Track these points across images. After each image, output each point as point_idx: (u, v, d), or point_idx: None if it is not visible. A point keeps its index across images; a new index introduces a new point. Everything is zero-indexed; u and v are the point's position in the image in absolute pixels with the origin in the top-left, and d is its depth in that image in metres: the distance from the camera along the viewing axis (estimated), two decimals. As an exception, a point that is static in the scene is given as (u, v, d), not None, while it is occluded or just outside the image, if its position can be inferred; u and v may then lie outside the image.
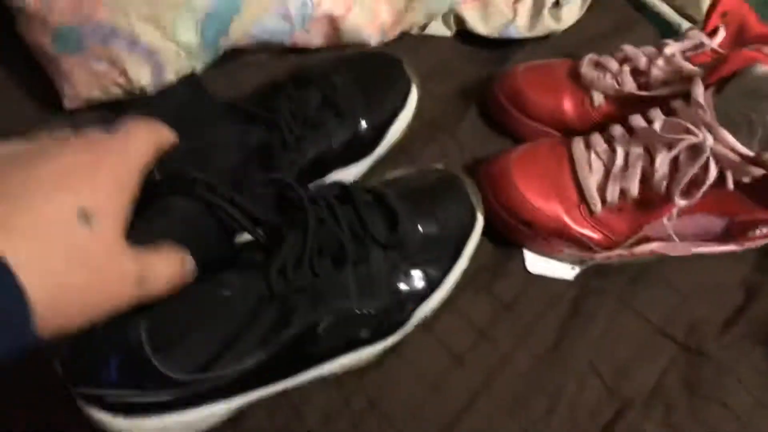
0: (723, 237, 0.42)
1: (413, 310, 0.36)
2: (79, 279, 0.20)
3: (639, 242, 0.41)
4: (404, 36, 0.53)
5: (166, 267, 0.25)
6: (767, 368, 0.41)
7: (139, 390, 0.28)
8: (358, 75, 0.43)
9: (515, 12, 0.54)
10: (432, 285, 0.37)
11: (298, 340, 0.31)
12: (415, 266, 0.36)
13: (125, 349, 0.27)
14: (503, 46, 0.55)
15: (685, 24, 0.59)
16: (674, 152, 0.38)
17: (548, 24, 0.54)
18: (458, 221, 0.39)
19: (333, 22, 0.47)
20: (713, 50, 0.44)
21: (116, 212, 0.22)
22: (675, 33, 0.59)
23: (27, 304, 0.19)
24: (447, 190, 0.40)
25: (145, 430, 0.30)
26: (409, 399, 0.36)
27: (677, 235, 0.40)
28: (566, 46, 0.56)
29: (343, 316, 0.32)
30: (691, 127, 0.38)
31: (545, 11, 0.54)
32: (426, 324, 0.38)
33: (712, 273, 0.45)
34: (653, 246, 0.41)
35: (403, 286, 0.35)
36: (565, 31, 0.57)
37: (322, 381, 0.35)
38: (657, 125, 0.39)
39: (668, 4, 0.61)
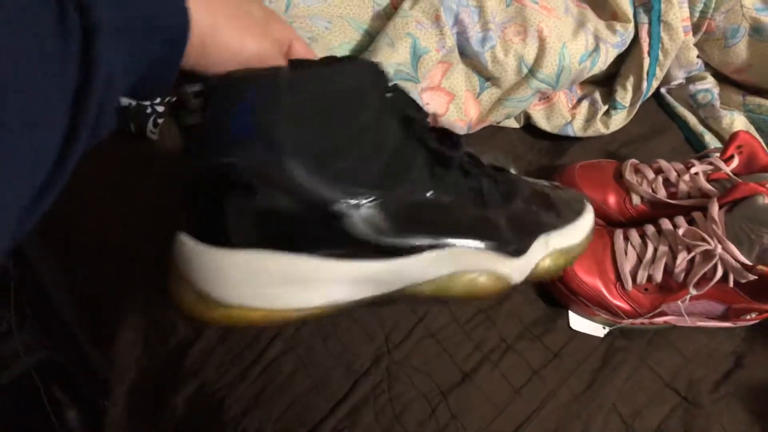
0: (721, 317, 0.54)
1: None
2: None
3: (657, 315, 0.52)
4: (483, 126, 0.66)
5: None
6: (746, 420, 0.53)
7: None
8: None
9: (573, 116, 0.66)
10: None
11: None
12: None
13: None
14: (560, 140, 0.68)
15: (707, 134, 0.72)
16: (692, 254, 0.50)
17: (598, 128, 0.66)
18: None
19: (434, 117, 0.60)
20: (727, 173, 0.57)
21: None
22: (698, 139, 0.72)
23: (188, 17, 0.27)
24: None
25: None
26: (480, 416, 0.49)
27: (687, 313, 0.52)
28: (611, 143, 0.69)
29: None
30: (706, 237, 0.50)
31: (597, 118, 0.66)
32: (493, 361, 0.51)
33: (709, 343, 0.56)
34: (667, 318, 0.53)
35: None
36: (611, 131, 0.69)
37: (420, 396, 0.48)
38: (681, 231, 0.52)
39: (693, 115, 0.73)
